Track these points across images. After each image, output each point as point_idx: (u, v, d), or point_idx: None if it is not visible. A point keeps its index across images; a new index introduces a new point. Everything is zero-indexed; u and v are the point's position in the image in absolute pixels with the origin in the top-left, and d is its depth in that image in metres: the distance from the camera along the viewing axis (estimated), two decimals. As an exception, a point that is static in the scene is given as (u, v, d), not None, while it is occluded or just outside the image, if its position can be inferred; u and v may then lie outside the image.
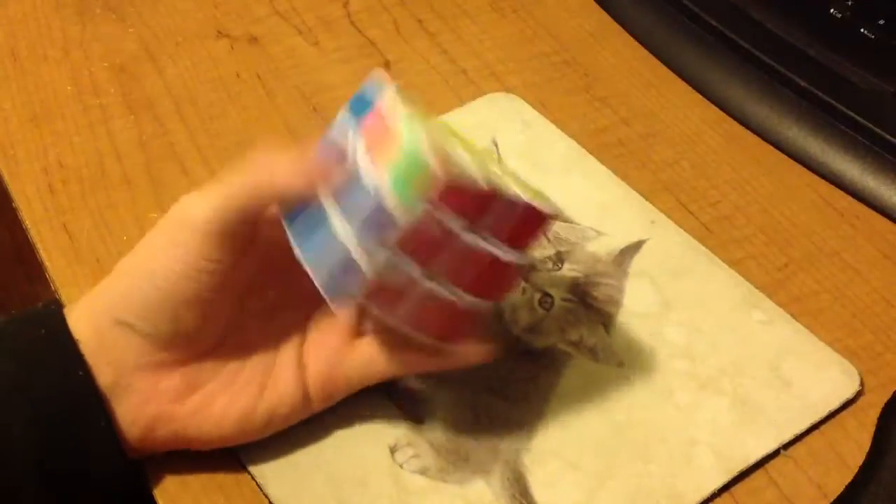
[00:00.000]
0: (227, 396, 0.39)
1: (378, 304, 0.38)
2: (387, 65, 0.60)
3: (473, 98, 0.57)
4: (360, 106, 0.39)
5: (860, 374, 0.44)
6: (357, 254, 0.36)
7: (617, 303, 0.47)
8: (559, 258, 0.48)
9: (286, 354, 0.41)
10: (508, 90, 0.58)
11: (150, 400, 0.38)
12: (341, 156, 0.38)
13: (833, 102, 0.54)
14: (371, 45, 0.61)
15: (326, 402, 0.41)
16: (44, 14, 0.63)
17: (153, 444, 0.39)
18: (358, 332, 0.41)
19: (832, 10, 0.58)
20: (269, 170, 0.38)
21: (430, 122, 0.38)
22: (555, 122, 0.56)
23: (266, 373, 0.40)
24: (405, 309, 0.38)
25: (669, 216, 0.51)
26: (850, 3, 0.58)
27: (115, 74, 0.59)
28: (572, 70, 0.60)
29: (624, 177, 0.53)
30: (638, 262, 0.48)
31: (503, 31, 0.62)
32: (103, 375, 0.38)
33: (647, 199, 0.52)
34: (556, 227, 0.50)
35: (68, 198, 0.52)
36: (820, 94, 0.55)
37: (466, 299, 0.38)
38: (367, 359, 0.41)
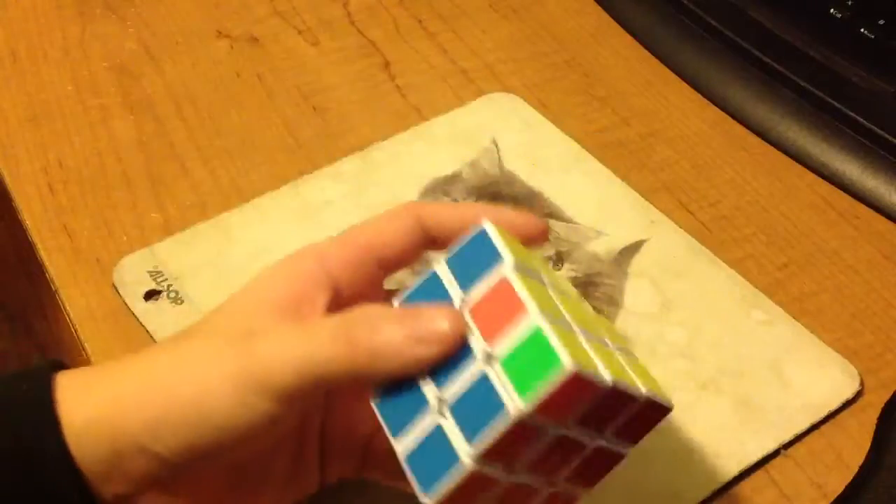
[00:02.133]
0: None
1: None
2: (387, 65, 0.60)
3: (473, 98, 0.57)
4: (466, 271, 0.32)
5: (860, 374, 0.44)
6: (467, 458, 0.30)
7: (617, 303, 0.47)
8: (559, 258, 0.48)
9: None
10: (508, 90, 0.58)
11: None
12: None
13: (833, 102, 0.54)
14: (371, 45, 0.61)
15: None
16: (44, 14, 0.63)
17: None
18: None
19: (832, 10, 0.58)
20: (372, 337, 0.31)
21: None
22: (555, 122, 0.56)
23: None
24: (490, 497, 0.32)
25: (669, 216, 0.51)
26: (850, 3, 0.58)
27: (115, 74, 0.59)
28: (572, 70, 0.60)
29: (624, 177, 0.53)
30: (638, 262, 0.48)
31: (503, 31, 0.62)
32: (113, 484, 0.33)
33: (647, 199, 0.52)
34: (556, 227, 0.50)
35: (68, 198, 0.52)
36: (820, 94, 0.55)
37: (560, 486, 0.33)
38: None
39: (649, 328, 0.46)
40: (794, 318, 0.46)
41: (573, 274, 0.48)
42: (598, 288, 0.47)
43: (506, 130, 0.55)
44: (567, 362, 0.29)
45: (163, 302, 0.47)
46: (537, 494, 0.33)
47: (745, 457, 0.41)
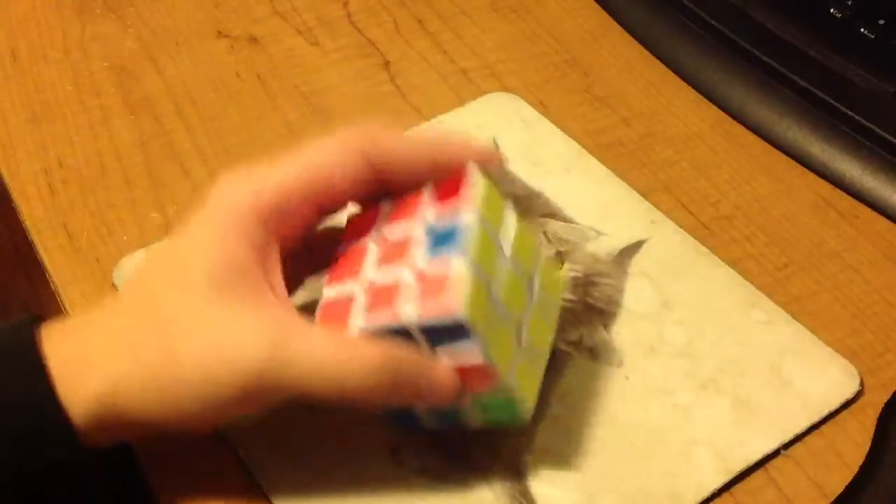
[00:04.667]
0: None
1: None
2: (387, 65, 0.60)
3: (473, 98, 0.57)
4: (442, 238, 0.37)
5: (860, 374, 0.44)
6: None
7: (617, 303, 0.47)
8: (559, 258, 0.48)
9: None
10: (508, 90, 0.58)
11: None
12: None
13: (833, 102, 0.54)
14: (371, 45, 0.61)
15: None
16: (44, 14, 0.63)
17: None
18: None
19: (832, 10, 0.58)
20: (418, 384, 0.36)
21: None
22: (555, 122, 0.56)
23: None
24: None
25: (669, 216, 0.51)
26: (850, 3, 0.58)
27: (115, 74, 0.59)
28: (572, 70, 0.60)
29: (624, 177, 0.53)
30: (638, 262, 0.48)
31: (503, 31, 0.62)
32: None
33: (646, 199, 0.52)
34: (556, 227, 0.50)
35: (68, 198, 0.52)
36: (820, 94, 0.55)
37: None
38: None
39: (649, 328, 0.46)
40: (794, 318, 0.46)
41: (573, 274, 0.48)
42: (597, 288, 0.47)
43: (506, 130, 0.55)
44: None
45: (163, 302, 0.47)
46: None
47: (745, 457, 0.41)
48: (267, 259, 0.36)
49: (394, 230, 0.38)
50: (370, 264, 0.38)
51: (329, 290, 0.38)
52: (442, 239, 0.36)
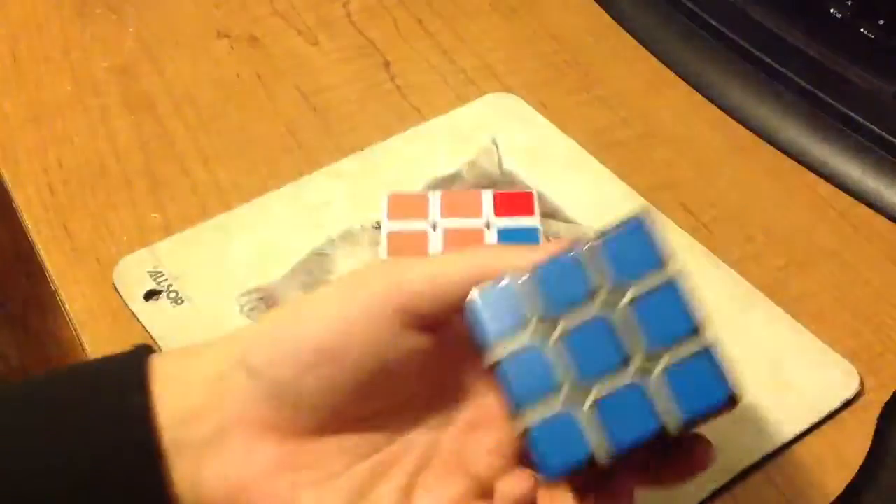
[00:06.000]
0: (317, 494, 0.34)
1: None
2: (387, 65, 0.60)
3: (473, 98, 0.57)
4: (631, 264, 0.32)
5: (860, 374, 0.44)
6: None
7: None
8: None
9: (399, 474, 0.35)
10: (508, 90, 0.58)
11: (241, 464, 0.34)
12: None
13: (833, 102, 0.54)
14: (371, 45, 0.61)
15: None
16: (44, 14, 0.63)
17: None
18: (484, 491, 0.34)
19: (832, 10, 0.58)
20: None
21: None
22: (555, 122, 0.56)
23: (370, 485, 0.34)
24: None
25: (669, 216, 0.51)
26: (850, 3, 0.58)
27: (115, 74, 0.59)
28: (572, 70, 0.60)
29: (624, 177, 0.53)
30: (638, 262, 0.48)
31: (503, 31, 0.62)
32: (204, 423, 0.34)
33: (647, 199, 0.52)
34: (556, 227, 0.50)
35: (68, 198, 0.52)
36: (820, 94, 0.55)
37: None
38: None
39: (649, 328, 0.46)
40: (794, 318, 0.46)
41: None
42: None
43: (506, 130, 0.55)
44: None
45: (163, 302, 0.47)
46: None
47: (745, 457, 0.41)
48: None
49: None
50: None
51: None
52: None
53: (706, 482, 0.41)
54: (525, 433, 0.31)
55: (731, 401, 0.30)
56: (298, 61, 0.60)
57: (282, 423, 0.34)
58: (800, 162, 0.54)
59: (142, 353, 0.35)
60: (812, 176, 0.54)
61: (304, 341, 0.33)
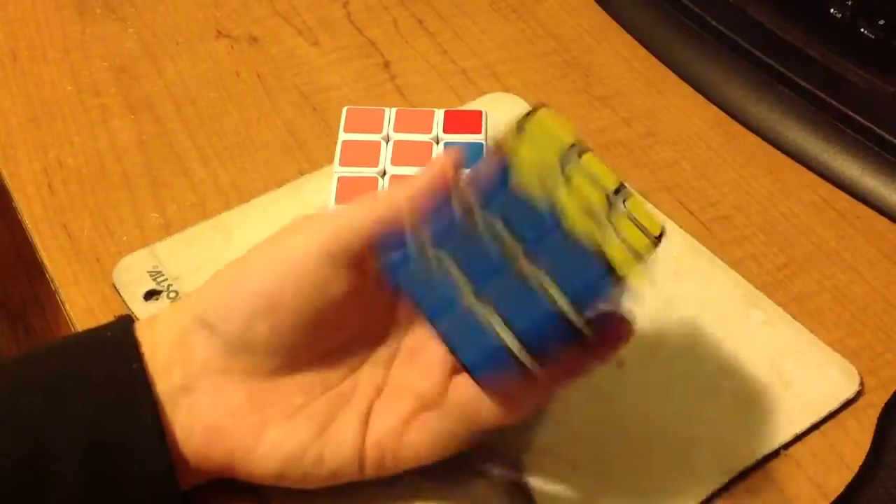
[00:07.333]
0: (284, 428, 0.38)
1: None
2: (387, 65, 0.60)
3: (473, 98, 0.57)
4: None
5: (860, 374, 0.44)
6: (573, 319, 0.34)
7: (617, 303, 0.47)
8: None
9: (355, 405, 0.39)
10: (508, 90, 0.58)
11: (211, 408, 0.37)
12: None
13: (833, 102, 0.54)
14: (371, 45, 0.61)
15: (378, 471, 0.39)
16: (44, 14, 0.63)
17: (208, 465, 0.38)
18: (430, 405, 0.39)
19: (832, 10, 0.58)
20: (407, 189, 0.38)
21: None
22: (555, 122, 0.56)
23: (330, 416, 0.38)
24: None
25: (669, 216, 0.51)
26: (850, 3, 0.58)
27: (115, 74, 0.59)
28: (572, 70, 0.60)
29: (624, 177, 0.53)
30: (638, 262, 0.48)
31: (503, 31, 0.62)
32: (173, 377, 0.37)
33: (647, 198, 0.52)
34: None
35: (68, 198, 0.52)
36: (820, 94, 0.55)
37: None
38: (432, 438, 0.38)
39: (649, 328, 0.46)
40: (794, 318, 0.46)
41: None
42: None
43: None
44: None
45: (163, 302, 0.47)
46: None
47: (745, 457, 0.41)
48: None
49: None
50: None
51: None
52: None
53: (706, 482, 0.41)
54: (442, 338, 0.36)
55: (609, 273, 0.34)
56: (298, 61, 0.60)
57: (242, 368, 0.38)
58: (800, 162, 0.54)
59: (127, 323, 0.39)
60: (812, 176, 0.54)
61: (247, 291, 0.37)
